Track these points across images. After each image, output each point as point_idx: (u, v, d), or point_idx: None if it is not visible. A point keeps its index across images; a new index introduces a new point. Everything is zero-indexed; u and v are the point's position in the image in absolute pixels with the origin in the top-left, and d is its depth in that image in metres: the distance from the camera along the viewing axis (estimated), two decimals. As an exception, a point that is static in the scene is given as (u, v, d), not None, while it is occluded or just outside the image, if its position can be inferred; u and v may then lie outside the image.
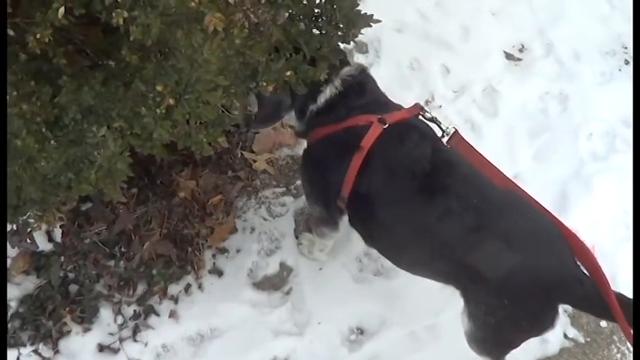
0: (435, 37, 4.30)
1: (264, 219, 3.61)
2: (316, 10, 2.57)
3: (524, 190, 2.75)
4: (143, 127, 2.20)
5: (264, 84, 2.37)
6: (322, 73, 2.61)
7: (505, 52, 4.33)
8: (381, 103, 2.92)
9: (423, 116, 2.90)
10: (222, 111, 2.38)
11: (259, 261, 3.50)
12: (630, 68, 4.34)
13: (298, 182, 3.70)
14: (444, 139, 2.86)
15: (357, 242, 3.48)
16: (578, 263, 2.61)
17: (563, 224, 2.65)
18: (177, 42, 2.01)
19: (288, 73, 2.39)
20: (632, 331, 2.44)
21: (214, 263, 3.49)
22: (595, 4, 4.61)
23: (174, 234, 3.49)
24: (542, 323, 2.69)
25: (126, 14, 2.03)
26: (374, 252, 3.46)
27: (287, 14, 2.41)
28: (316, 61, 2.62)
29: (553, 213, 2.69)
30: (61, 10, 2.04)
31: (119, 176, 2.30)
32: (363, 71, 2.94)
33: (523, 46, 4.38)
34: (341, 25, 2.59)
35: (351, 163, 2.74)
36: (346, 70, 2.87)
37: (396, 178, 2.73)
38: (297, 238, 3.55)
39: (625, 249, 3.56)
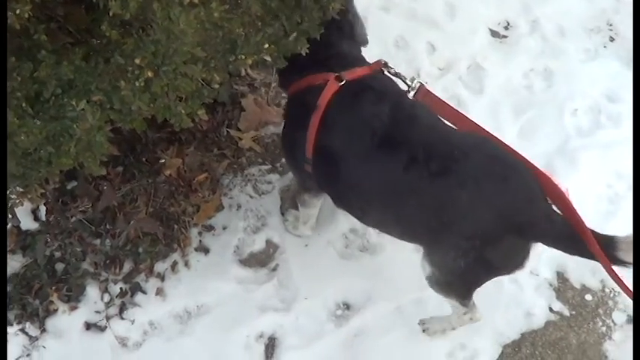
0: (421, 15, 4.30)
1: (251, 196, 3.62)
2: (296, -18, 2.57)
3: (493, 135, 2.76)
4: (122, 100, 2.20)
5: (243, 57, 2.37)
6: (303, 46, 2.62)
7: (490, 30, 4.34)
8: (343, 59, 2.88)
9: (388, 72, 2.89)
10: (202, 84, 2.39)
11: (245, 238, 3.51)
12: (615, 45, 4.36)
13: (284, 160, 3.70)
14: (410, 94, 2.85)
15: (342, 219, 3.51)
16: (550, 202, 2.64)
17: (534, 166, 2.66)
18: (154, 13, 2.02)
19: (267, 46, 2.39)
20: (612, 267, 2.48)
21: (200, 241, 3.49)
22: (580, -19, 4.63)
23: (161, 212, 3.50)
24: (512, 261, 2.72)
25: (104, -13, 2.04)
26: (359, 228, 3.51)
27: (267, -12, 2.40)
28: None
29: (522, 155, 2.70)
30: (39, -16, 2.05)
31: (99, 149, 2.30)
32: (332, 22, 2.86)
33: (508, 24, 4.39)
34: (321, -1, 2.59)
35: (310, 122, 2.75)
36: None
37: (355, 136, 2.72)
38: (283, 215, 3.55)
39: (609, 223, 3.56)
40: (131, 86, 2.18)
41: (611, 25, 4.46)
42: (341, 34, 2.92)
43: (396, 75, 2.91)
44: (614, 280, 2.48)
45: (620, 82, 4.16)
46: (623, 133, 3.92)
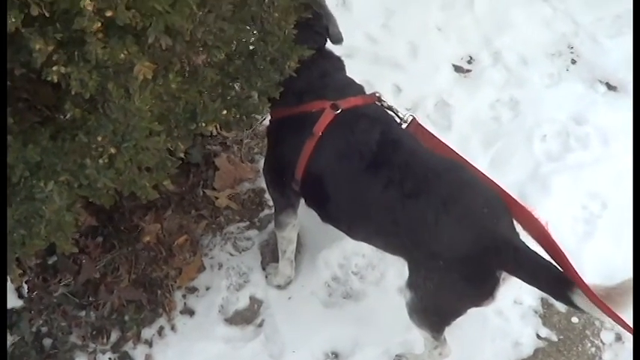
0: (384, 58, 4.38)
1: (231, 254, 3.64)
2: (251, 47, 2.63)
3: (475, 167, 2.84)
4: (88, 177, 2.24)
5: (204, 124, 2.43)
6: (264, 106, 2.68)
7: (454, 65, 4.42)
8: (339, 87, 3.01)
9: (381, 104, 3.01)
10: (168, 154, 2.43)
11: (229, 296, 3.52)
12: (577, 67, 4.45)
13: (262, 215, 3.76)
14: (403, 127, 2.98)
15: (323, 268, 3.55)
16: (520, 231, 2.70)
17: (509, 195, 2.73)
18: (110, 93, 2.07)
19: (225, 112, 2.45)
20: (592, 291, 2.47)
21: (185, 303, 3.50)
22: (537, 9, 4.73)
23: (143, 278, 3.52)
24: (479, 289, 2.75)
25: (63, 70, 2.08)
26: (341, 276, 3.53)
27: (223, 54, 2.45)
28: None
29: (501, 187, 2.77)
30: (1, 71, 2.10)
31: (69, 229, 2.33)
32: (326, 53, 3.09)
33: (471, 58, 4.47)
34: (277, 59, 2.65)
35: (304, 147, 2.86)
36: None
37: (345, 160, 2.84)
38: (264, 269, 3.58)
39: (588, 244, 3.64)
40: (95, 164, 2.22)
41: (572, 47, 4.55)
42: (328, 59, 3.11)
43: (389, 108, 3.03)
44: (616, 322, 2.46)
45: (586, 103, 4.24)
46: (592, 153, 3.99)
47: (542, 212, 3.62)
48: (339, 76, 3.11)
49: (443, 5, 4.69)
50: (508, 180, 3.77)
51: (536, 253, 2.63)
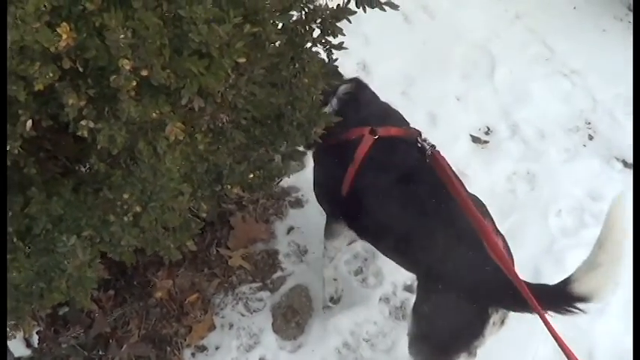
0: (403, 125, 4.39)
1: (242, 315, 3.61)
2: (278, 111, 2.65)
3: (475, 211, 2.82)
4: (112, 235, 2.24)
5: (229, 187, 2.43)
6: (287, 170, 2.69)
7: (472, 136, 4.43)
8: (377, 115, 3.16)
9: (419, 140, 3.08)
10: (191, 214, 2.43)
11: (239, 357, 3.48)
12: (594, 143, 4.46)
13: (274, 276, 3.74)
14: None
15: (334, 334, 3.51)
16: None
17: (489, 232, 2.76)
18: (140, 152, 2.08)
19: (252, 175, 2.46)
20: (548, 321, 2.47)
21: (194, 362, 3.48)
22: (556, 83, 4.77)
23: (153, 334, 3.49)
24: (469, 321, 2.72)
25: (92, 124, 2.09)
26: (352, 342, 3.49)
27: (251, 117, 2.47)
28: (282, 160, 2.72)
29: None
30: (29, 122, 2.10)
31: (89, 284, 2.32)
32: (358, 86, 3.21)
33: (489, 129, 4.49)
34: (303, 124, 2.67)
35: (347, 171, 2.99)
36: (342, 88, 3.10)
37: (381, 181, 2.95)
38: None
39: (599, 321, 3.58)
40: (120, 221, 2.22)
41: (589, 123, 4.57)
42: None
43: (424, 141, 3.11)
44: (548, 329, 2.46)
45: (602, 179, 4.23)
46: (608, 231, 3.97)
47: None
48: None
49: (463, 75, 4.75)
50: (522, 254, 3.75)
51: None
